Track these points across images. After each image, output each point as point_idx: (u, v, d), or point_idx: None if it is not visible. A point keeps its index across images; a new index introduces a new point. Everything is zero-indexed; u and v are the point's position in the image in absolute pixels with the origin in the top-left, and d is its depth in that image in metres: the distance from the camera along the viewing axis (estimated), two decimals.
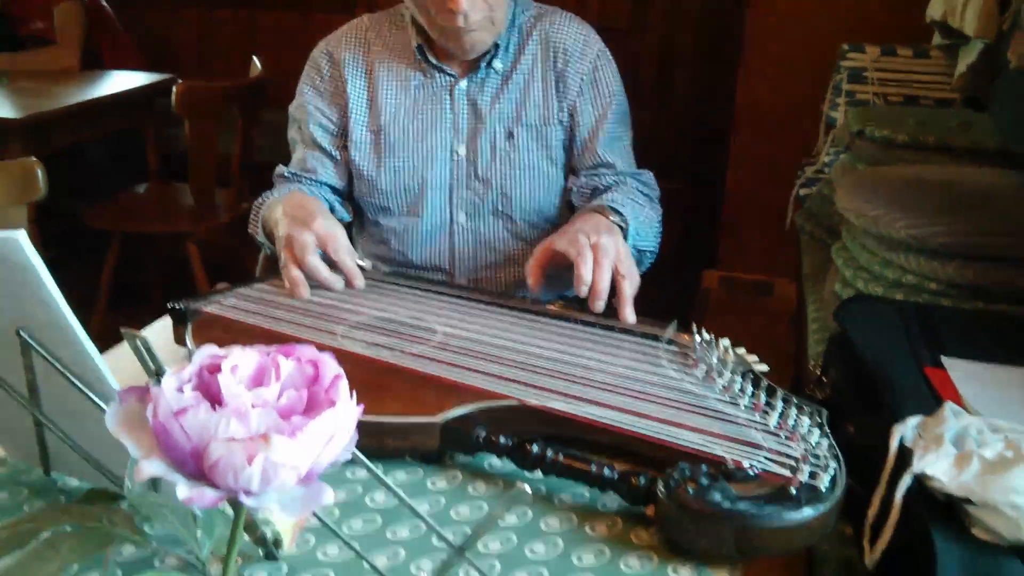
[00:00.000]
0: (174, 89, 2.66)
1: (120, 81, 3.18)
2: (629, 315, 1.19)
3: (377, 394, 0.97)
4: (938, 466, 1.03)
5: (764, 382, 1.00)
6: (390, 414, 0.93)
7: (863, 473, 1.02)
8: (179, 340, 1.17)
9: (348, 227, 1.63)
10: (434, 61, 1.50)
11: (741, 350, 1.10)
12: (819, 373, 1.61)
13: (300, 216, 1.27)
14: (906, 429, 1.14)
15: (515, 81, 1.52)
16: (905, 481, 1.06)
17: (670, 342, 1.12)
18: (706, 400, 0.96)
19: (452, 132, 1.51)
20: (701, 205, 3.57)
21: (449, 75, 1.51)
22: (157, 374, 0.64)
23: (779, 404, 0.94)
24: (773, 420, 0.92)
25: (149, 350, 0.62)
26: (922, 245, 1.63)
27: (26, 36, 3.40)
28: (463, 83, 1.51)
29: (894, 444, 1.13)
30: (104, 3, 3.59)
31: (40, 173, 1.76)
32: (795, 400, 0.96)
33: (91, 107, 2.90)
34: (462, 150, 1.51)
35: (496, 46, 1.49)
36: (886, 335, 1.45)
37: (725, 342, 1.12)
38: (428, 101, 1.52)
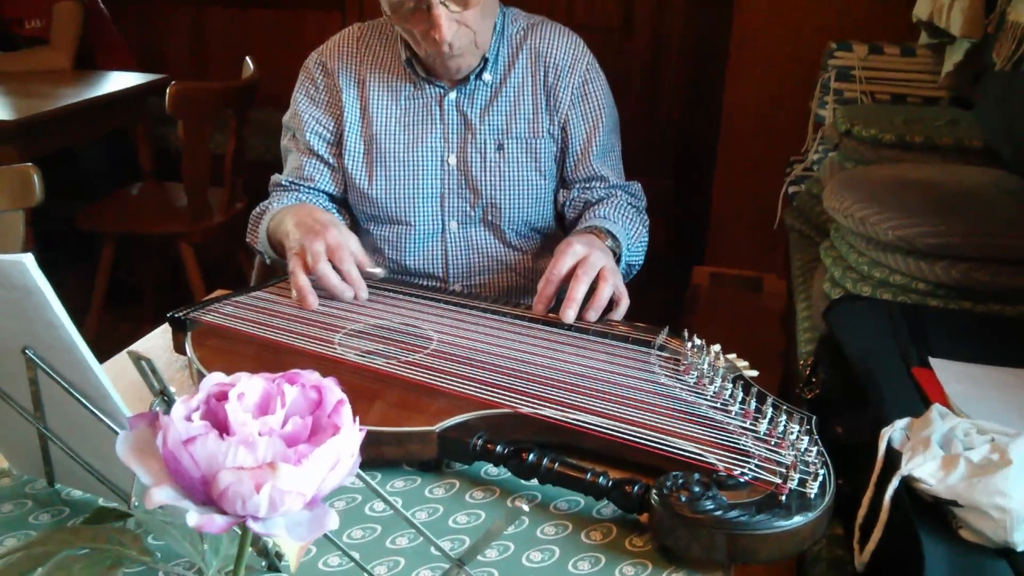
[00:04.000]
0: (168, 91, 2.66)
1: (113, 82, 3.18)
2: (592, 314, 1.22)
3: (374, 403, 0.99)
4: (925, 468, 1.05)
5: (754, 388, 1.02)
6: (387, 425, 0.94)
7: (851, 473, 1.04)
8: (179, 349, 1.18)
9: None
10: (423, 74, 1.52)
11: (732, 355, 1.12)
12: (808, 373, 1.63)
13: (312, 227, 1.29)
14: (894, 431, 1.16)
15: (505, 94, 1.53)
16: (893, 484, 1.08)
17: (662, 348, 1.14)
18: (698, 407, 0.98)
19: (442, 142, 1.53)
20: (690, 202, 3.59)
21: (438, 87, 1.53)
22: (162, 394, 0.65)
23: (768, 410, 0.96)
24: (763, 427, 0.94)
25: (154, 371, 0.63)
26: (909, 246, 1.65)
27: (22, 36, 3.39)
28: (452, 94, 1.53)
29: (882, 446, 1.15)
30: (101, 4, 3.58)
31: (36, 179, 1.76)
32: (784, 406, 0.98)
33: (85, 108, 2.90)
34: (452, 159, 1.53)
35: (484, 59, 1.50)
36: (874, 336, 1.47)
37: (716, 347, 1.13)
38: (418, 112, 1.53)
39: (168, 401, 0.65)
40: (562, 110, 1.55)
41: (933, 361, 1.37)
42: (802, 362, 1.73)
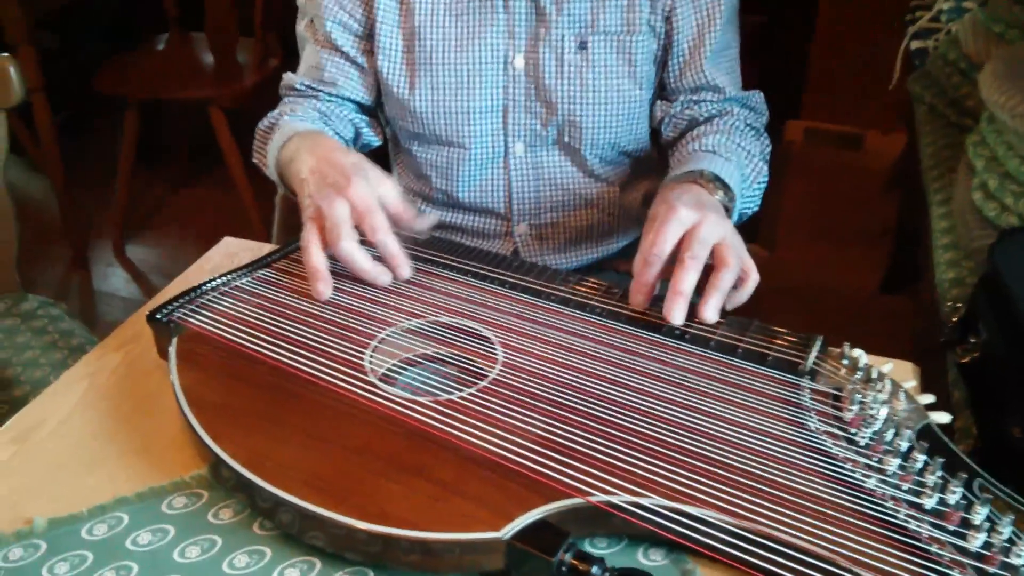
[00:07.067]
0: None
1: None
2: (710, 311, 0.87)
3: (417, 484, 0.71)
4: None
5: (959, 463, 0.71)
6: (439, 527, 0.67)
7: None
8: (162, 354, 0.91)
9: (380, 155, 1.33)
10: None
11: (910, 384, 0.81)
12: (957, 321, 1.32)
13: (332, 178, 0.95)
14: None
15: None
16: None
17: (813, 374, 0.83)
18: (878, 501, 0.68)
19: (506, 38, 1.16)
20: (786, 45, 3.15)
21: None
22: None
23: (983, 509, 0.66)
24: (977, 541, 0.64)
25: None
26: None
27: None
28: None
29: None
30: None
31: (14, 73, 1.46)
32: (1003, 494, 0.68)
33: None
34: (519, 62, 1.17)
35: None
36: None
37: (887, 367, 0.82)
38: None
39: None
40: None
41: None
42: (949, 304, 1.41)
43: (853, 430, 0.75)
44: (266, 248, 1.12)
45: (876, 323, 2.32)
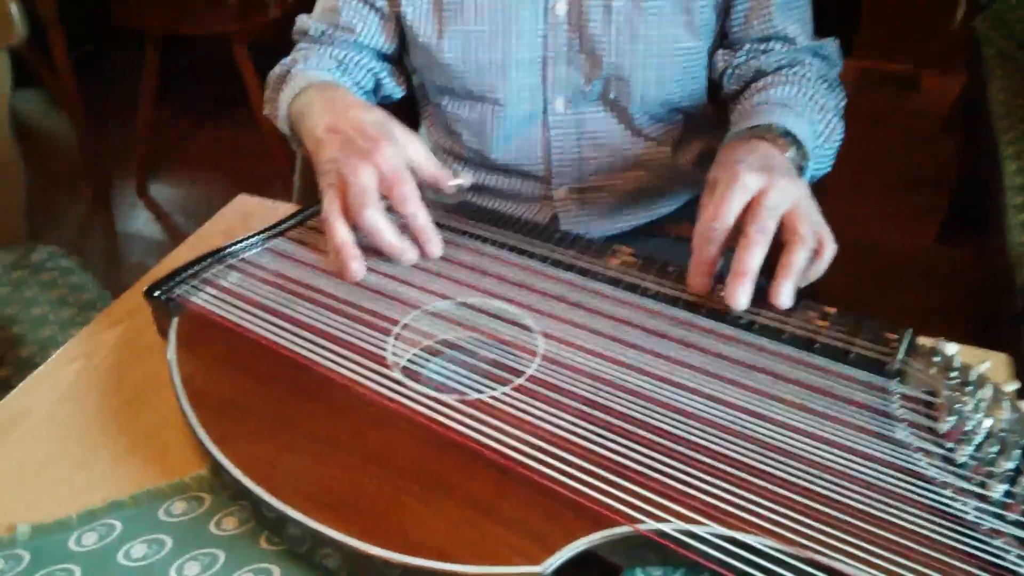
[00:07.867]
0: None
1: None
2: (784, 296, 0.76)
3: (444, 505, 0.61)
4: None
5: None
6: (471, 559, 0.58)
7: None
8: (162, 333, 0.82)
9: (407, 107, 1.22)
10: None
11: (1011, 386, 0.70)
12: None
13: (354, 141, 0.84)
14: None
15: None
16: None
17: (901, 375, 0.72)
18: (987, 541, 0.57)
19: None
20: None
21: None
22: None
23: None
24: None
25: None
26: None
27: None
28: None
29: None
30: None
31: (15, 9, 1.36)
32: None
33: None
34: (561, 7, 1.04)
35: None
36: None
37: (984, 367, 0.72)
38: None
39: None
40: None
41: None
42: None
43: (950, 445, 0.64)
44: (284, 209, 1.03)
45: (934, 279, 2.19)
